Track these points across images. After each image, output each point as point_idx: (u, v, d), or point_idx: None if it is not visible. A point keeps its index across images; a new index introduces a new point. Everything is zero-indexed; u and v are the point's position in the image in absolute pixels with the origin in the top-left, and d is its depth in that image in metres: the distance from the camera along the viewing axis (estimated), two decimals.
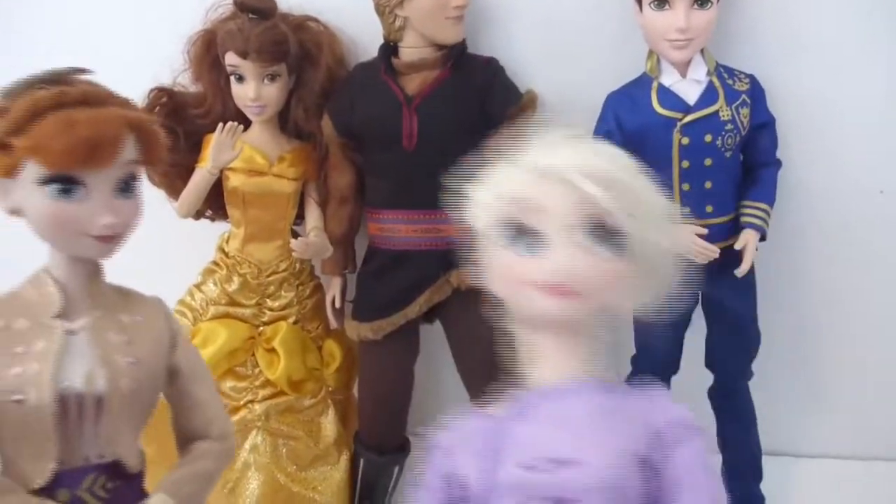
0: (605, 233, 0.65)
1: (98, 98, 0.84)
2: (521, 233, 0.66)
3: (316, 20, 1.46)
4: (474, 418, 0.71)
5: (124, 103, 0.87)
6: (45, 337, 0.85)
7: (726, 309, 1.36)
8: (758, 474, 1.45)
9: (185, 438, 0.96)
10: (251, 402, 1.42)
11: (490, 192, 0.69)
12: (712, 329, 1.40)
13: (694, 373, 1.42)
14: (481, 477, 0.68)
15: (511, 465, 0.66)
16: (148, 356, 0.89)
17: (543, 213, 0.65)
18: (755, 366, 1.42)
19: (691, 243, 1.28)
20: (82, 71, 0.89)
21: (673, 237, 0.70)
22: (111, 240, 0.85)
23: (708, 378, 1.44)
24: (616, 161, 0.68)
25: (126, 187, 0.85)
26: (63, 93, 0.82)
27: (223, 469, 0.98)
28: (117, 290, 0.92)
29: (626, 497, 0.64)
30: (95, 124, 0.81)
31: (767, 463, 1.46)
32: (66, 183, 0.82)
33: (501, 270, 0.68)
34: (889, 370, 1.55)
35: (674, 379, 1.42)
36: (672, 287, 0.70)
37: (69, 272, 0.87)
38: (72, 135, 0.80)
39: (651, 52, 1.32)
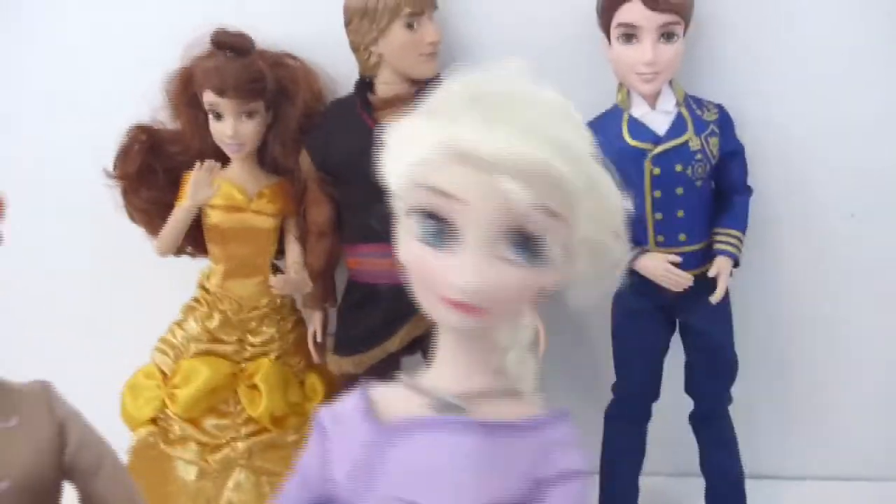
0: (527, 239, 0.57)
1: None
2: (433, 219, 0.58)
3: (293, 57, 1.47)
4: (360, 412, 0.65)
5: None
6: None
7: (703, 335, 1.37)
8: (741, 498, 1.45)
9: None
10: (234, 439, 1.41)
11: (402, 163, 0.60)
12: (690, 355, 1.41)
13: (674, 399, 1.43)
14: (350, 488, 0.63)
15: (378, 495, 0.61)
16: (29, 468, 0.75)
17: (458, 206, 0.56)
18: (734, 390, 1.43)
19: (665, 272, 1.30)
20: None
21: (622, 240, 0.62)
22: None
23: (689, 404, 1.45)
24: (563, 140, 0.57)
25: None
26: None
27: None
28: None
29: None
30: None
31: (750, 486, 1.46)
32: None
33: (410, 257, 0.60)
34: (867, 390, 1.57)
35: (655, 405, 1.43)
36: (612, 287, 0.63)
37: None
38: None
39: (621, 85, 1.35)
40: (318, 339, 1.48)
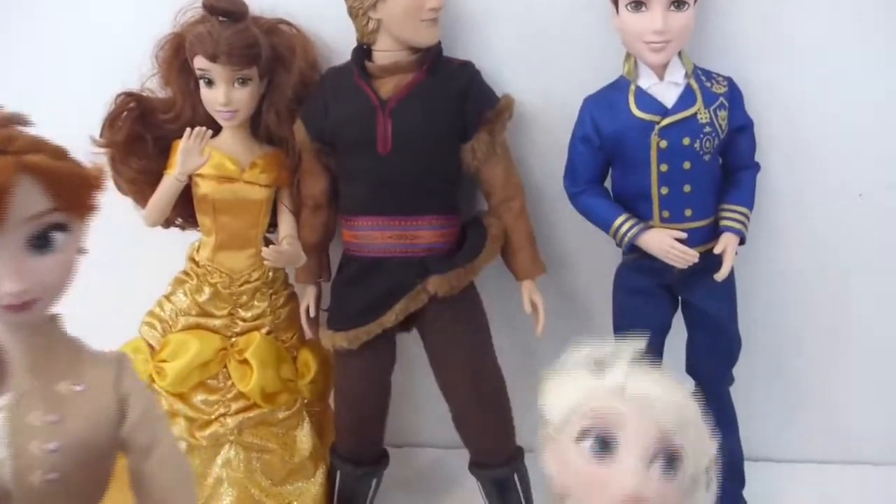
0: (668, 459, 0.72)
1: None
2: (596, 439, 0.73)
3: (288, 23, 1.43)
4: None
5: (26, 146, 0.72)
6: None
7: (706, 314, 1.35)
8: (740, 479, 1.44)
9: None
10: (223, 415, 1.38)
11: (572, 398, 0.76)
12: (693, 334, 1.39)
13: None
14: None
15: None
16: (82, 435, 0.76)
17: (622, 431, 0.72)
18: (736, 371, 1.41)
19: (670, 248, 1.27)
20: None
21: (712, 462, 0.78)
22: (25, 307, 0.72)
23: (689, 384, 1.42)
24: (686, 398, 0.76)
25: (43, 243, 0.72)
26: None
27: None
28: (70, 348, 0.78)
29: None
30: None
31: (749, 468, 1.44)
32: None
33: (571, 467, 0.74)
34: (870, 374, 1.55)
35: None
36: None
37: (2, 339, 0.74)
38: None
39: (628, 55, 1.31)
40: (312, 315, 1.45)
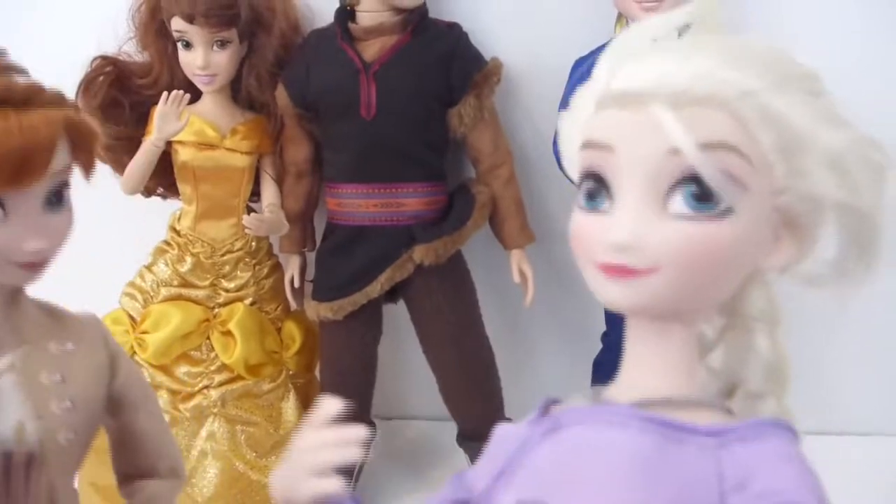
0: (701, 185, 0.45)
1: (20, 94, 0.66)
2: (594, 185, 0.49)
3: None
4: (521, 426, 0.55)
5: (52, 99, 0.69)
6: None
7: None
8: None
9: (128, 475, 0.82)
10: (207, 387, 1.36)
11: (570, 129, 0.54)
12: None
13: None
14: (484, 490, 0.54)
15: (510, 497, 0.51)
16: (85, 393, 0.75)
17: (610, 156, 0.48)
18: None
19: None
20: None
21: (866, 188, 0.47)
22: (39, 265, 0.70)
23: None
24: (739, 62, 0.46)
25: (57, 199, 0.70)
26: None
27: None
28: (44, 310, 0.76)
29: None
30: (23, 133, 0.64)
31: None
32: None
33: (573, 231, 0.51)
34: (863, 345, 1.53)
35: None
36: (875, 253, 0.48)
37: None
38: None
39: (620, 16, 1.27)
40: (296, 285, 1.42)
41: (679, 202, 0.46)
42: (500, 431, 0.58)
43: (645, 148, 0.46)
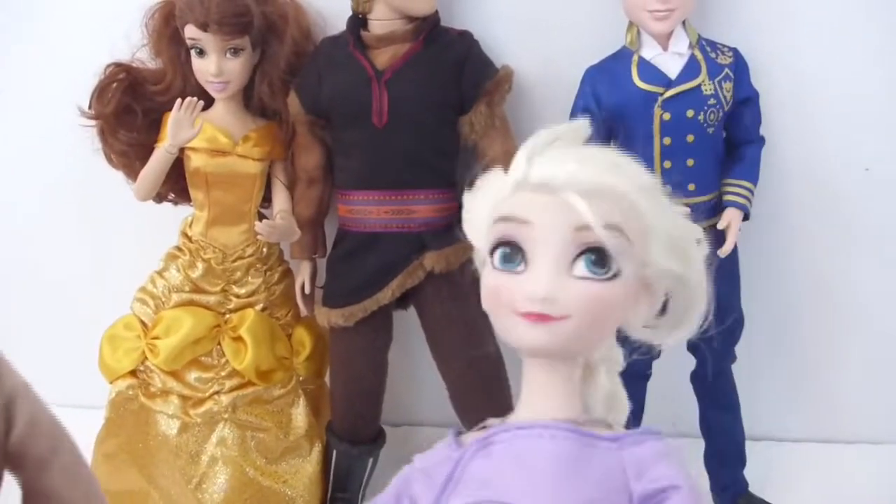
0: (599, 254, 0.60)
1: None
2: (510, 251, 0.62)
3: None
4: (448, 447, 0.66)
5: None
6: None
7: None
8: (741, 459, 1.42)
9: None
10: (217, 393, 1.36)
11: (481, 206, 0.66)
12: None
13: (675, 357, 1.39)
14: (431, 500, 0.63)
15: (457, 501, 0.61)
16: None
17: (528, 229, 0.61)
18: (737, 350, 1.39)
19: None
20: None
21: (693, 263, 0.64)
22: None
23: (690, 362, 1.40)
24: (618, 170, 0.61)
25: None
26: None
27: None
28: None
29: None
30: None
31: (750, 448, 1.43)
32: None
33: (489, 290, 0.63)
34: (871, 353, 1.53)
35: (655, 363, 1.38)
36: (700, 316, 0.66)
37: None
38: None
39: (631, 25, 1.27)
40: (307, 291, 1.42)
41: (581, 267, 0.60)
42: (423, 462, 0.67)
43: (559, 223, 0.60)
